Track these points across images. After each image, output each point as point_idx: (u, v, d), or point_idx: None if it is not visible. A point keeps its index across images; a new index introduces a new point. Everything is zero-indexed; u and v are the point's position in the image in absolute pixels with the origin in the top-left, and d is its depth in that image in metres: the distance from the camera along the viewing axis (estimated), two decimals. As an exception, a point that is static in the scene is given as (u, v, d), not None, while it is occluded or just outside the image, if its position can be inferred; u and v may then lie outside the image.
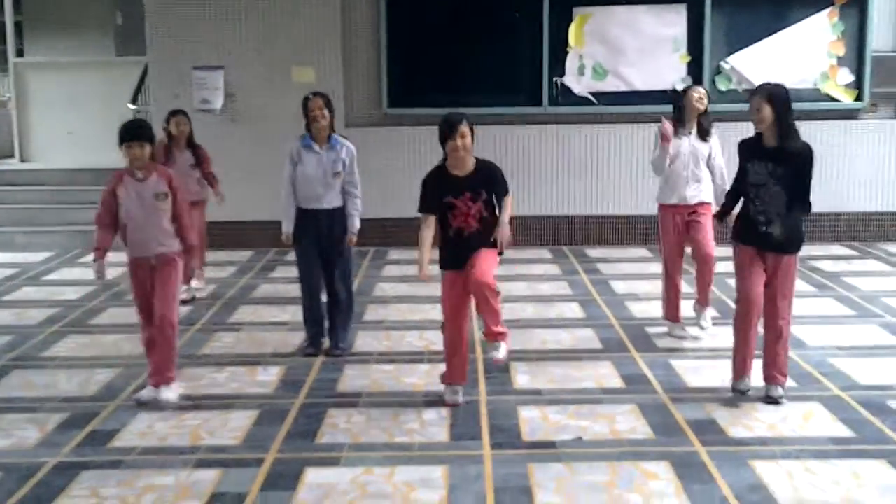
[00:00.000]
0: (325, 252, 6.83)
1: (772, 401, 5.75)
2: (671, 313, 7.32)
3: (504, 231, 5.65)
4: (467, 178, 5.64)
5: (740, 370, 5.87)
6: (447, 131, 5.55)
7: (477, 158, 5.72)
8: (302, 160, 6.72)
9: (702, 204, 7.11)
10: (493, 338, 5.71)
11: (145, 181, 5.82)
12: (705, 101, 7.05)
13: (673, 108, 7.19)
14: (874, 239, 11.39)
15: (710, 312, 7.33)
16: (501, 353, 5.67)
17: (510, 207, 5.77)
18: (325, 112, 6.70)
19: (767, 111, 5.59)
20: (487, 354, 5.81)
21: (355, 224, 6.84)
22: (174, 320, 5.87)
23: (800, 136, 5.71)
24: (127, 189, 5.81)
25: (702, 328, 7.24)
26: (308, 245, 6.81)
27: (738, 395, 5.84)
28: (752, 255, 5.76)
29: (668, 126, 7.01)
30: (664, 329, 7.39)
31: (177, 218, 5.92)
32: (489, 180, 5.69)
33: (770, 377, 5.83)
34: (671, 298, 7.29)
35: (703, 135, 7.08)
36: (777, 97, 5.62)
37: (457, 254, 5.66)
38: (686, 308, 7.38)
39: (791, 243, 5.74)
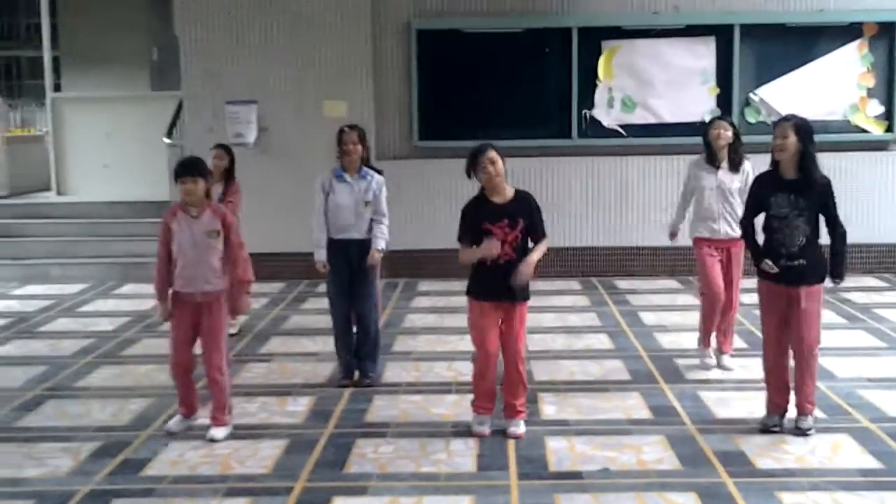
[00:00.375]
0: (354, 283, 6.90)
1: (800, 432, 5.74)
2: (707, 340, 7.34)
3: (527, 269, 5.66)
4: (506, 205, 5.71)
5: (772, 406, 5.88)
6: (474, 163, 5.65)
7: (516, 189, 5.79)
8: (334, 190, 6.83)
9: (733, 241, 7.07)
10: (513, 415, 5.85)
11: (199, 218, 5.87)
12: (726, 134, 7.04)
13: (703, 141, 7.21)
14: (906, 271, 11.32)
15: (732, 360, 7.34)
16: (522, 429, 5.83)
17: (543, 249, 5.80)
18: (359, 147, 6.81)
19: (793, 140, 5.61)
20: (508, 429, 5.84)
21: (380, 243, 6.90)
22: (222, 365, 5.93)
23: (820, 170, 5.71)
24: (180, 224, 5.88)
25: (728, 369, 7.23)
26: (338, 275, 6.89)
27: (765, 429, 5.83)
28: (774, 290, 5.77)
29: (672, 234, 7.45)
30: (693, 361, 7.38)
31: (230, 252, 5.95)
32: (527, 209, 5.75)
33: (799, 406, 5.83)
34: (707, 325, 7.29)
35: (734, 167, 7.09)
36: (803, 128, 5.65)
37: (490, 282, 5.71)
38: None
39: (815, 274, 5.73)
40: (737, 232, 6.97)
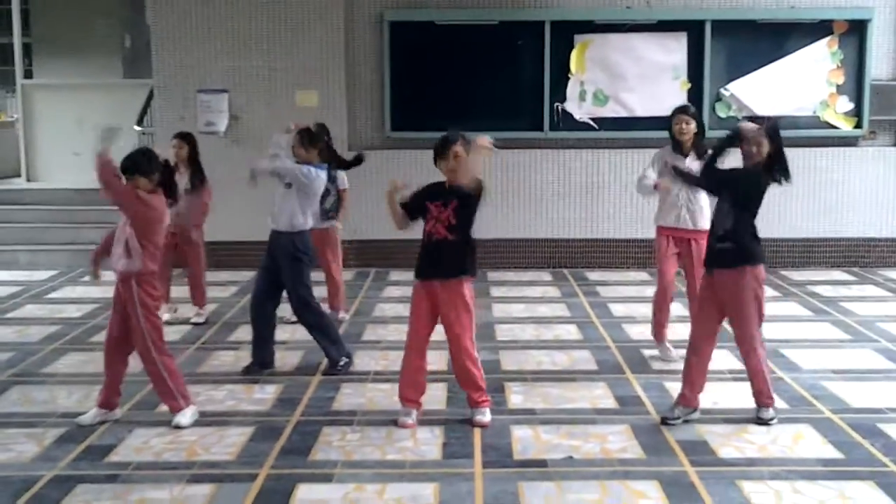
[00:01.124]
0: (283, 275, 7.00)
1: (762, 422, 5.82)
2: (660, 332, 7.38)
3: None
4: (449, 188, 5.78)
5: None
6: (439, 150, 5.74)
7: (473, 180, 5.78)
8: None
9: (698, 232, 7.08)
10: (476, 405, 5.89)
11: None
12: (689, 128, 7.04)
13: (668, 132, 7.23)
14: (873, 264, 11.44)
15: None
16: (487, 416, 5.87)
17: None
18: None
19: (766, 148, 5.70)
20: (473, 418, 5.87)
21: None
22: (146, 353, 5.85)
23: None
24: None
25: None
26: (265, 269, 7.11)
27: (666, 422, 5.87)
28: (707, 280, 5.89)
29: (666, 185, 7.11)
30: (653, 352, 7.43)
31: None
32: (462, 192, 5.73)
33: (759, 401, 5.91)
34: (660, 316, 7.34)
35: (699, 156, 7.11)
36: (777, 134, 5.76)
37: (429, 260, 5.81)
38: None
39: (740, 257, 5.80)
40: (699, 223, 7.04)
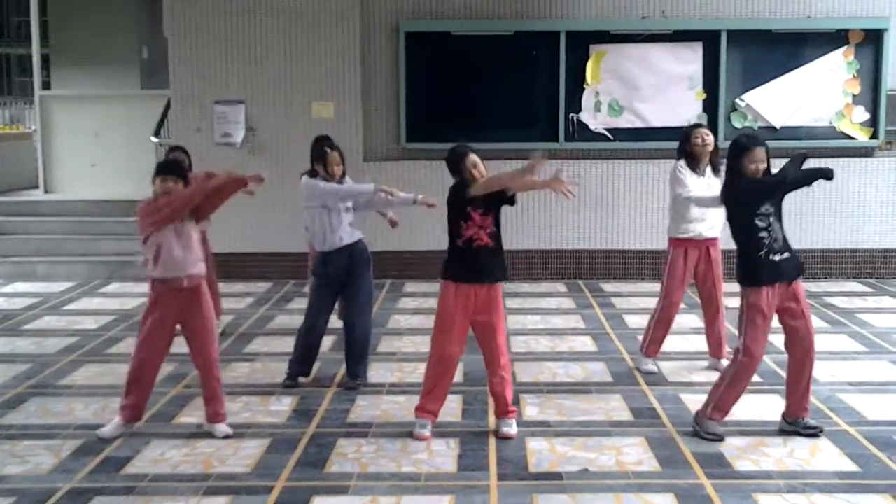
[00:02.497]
0: (348, 287, 6.99)
1: (812, 430, 5.82)
2: (653, 348, 7.35)
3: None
4: (486, 195, 5.79)
5: (725, 414, 5.90)
6: (458, 162, 5.83)
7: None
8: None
9: (712, 240, 7.17)
10: (505, 416, 5.91)
11: None
12: (709, 139, 7.08)
13: (678, 147, 7.23)
14: (889, 276, 11.38)
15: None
16: (514, 428, 5.88)
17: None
18: (342, 167, 7.04)
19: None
20: (499, 430, 5.87)
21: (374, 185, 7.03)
22: (216, 357, 5.98)
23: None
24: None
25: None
26: (327, 286, 6.99)
27: (715, 438, 5.79)
28: (770, 297, 5.72)
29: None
30: (676, 363, 7.42)
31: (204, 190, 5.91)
32: (495, 201, 5.84)
33: (805, 411, 5.89)
34: (659, 334, 7.32)
35: (716, 171, 7.13)
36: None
37: (466, 264, 5.83)
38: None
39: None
40: (714, 233, 7.10)
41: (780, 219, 5.75)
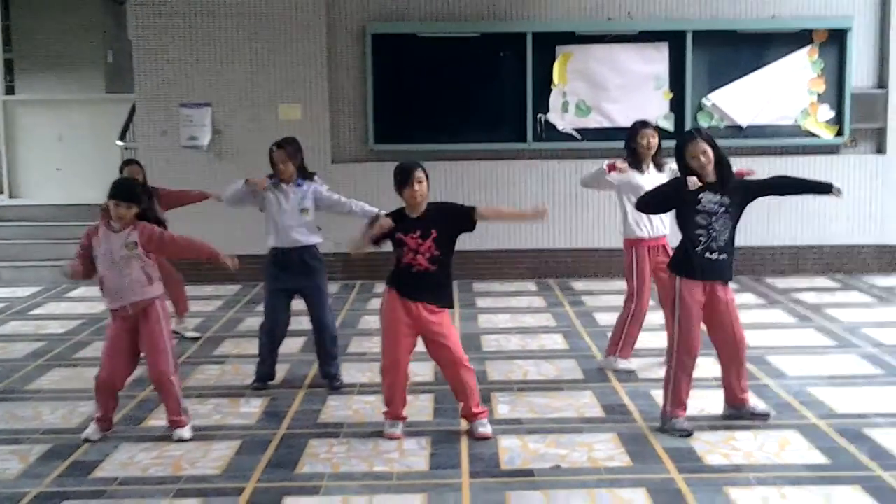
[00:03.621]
0: (304, 288, 6.91)
1: (763, 415, 5.93)
2: (627, 350, 7.36)
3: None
4: (419, 218, 5.72)
5: (683, 407, 5.92)
6: (403, 178, 5.68)
7: (429, 202, 5.78)
8: (271, 201, 6.86)
9: (664, 237, 7.24)
10: (473, 418, 5.86)
11: (119, 233, 5.77)
12: (654, 141, 7.11)
13: (626, 144, 7.25)
14: (856, 271, 11.50)
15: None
16: (489, 427, 5.83)
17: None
18: (289, 165, 6.85)
19: (711, 153, 5.74)
20: (474, 430, 5.82)
21: (365, 207, 6.87)
22: (168, 373, 5.84)
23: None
24: (100, 239, 5.79)
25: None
26: (281, 283, 6.90)
27: (684, 433, 5.79)
28: (699, 291, 5.80)
29: (622, 166, 7.13)
30: (647, 360, 7.43)
31: (178, 250, 6.08)
32: (440, 218, 5.74)
33: (743, 400, 5.98)
34: (633, 335, 7.35)
35: (659, 168, 7.18)
36: (709, 136, 5.83)
37: (408, 285, 5.74)
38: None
39: (732, 269, 5.94)
40: (663, 230, 7.17)
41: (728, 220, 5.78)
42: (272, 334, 6.96)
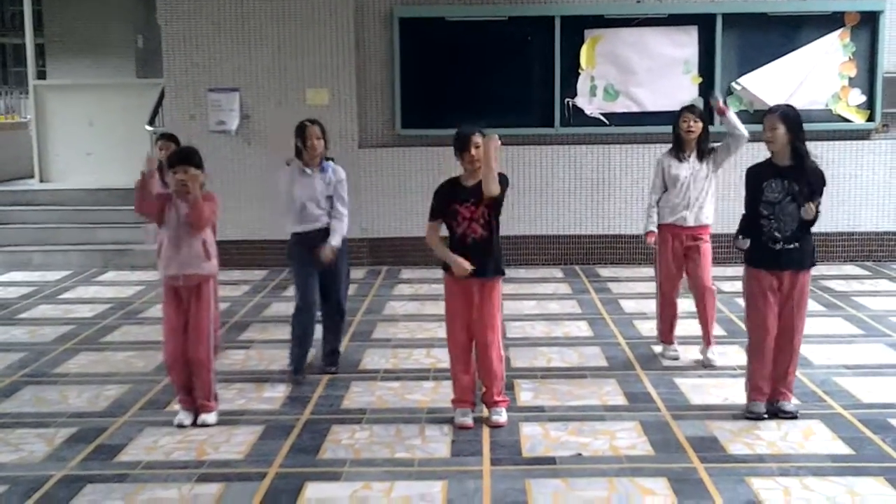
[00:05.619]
0: (324, 270, 6.91)
1: (789, 415, 5.81)
2: (666, 335, 7.35)
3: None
4: (474, 186, 5.71)
5: (758, 392, 5.89)
6: (461, 143, 5.66)
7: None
8: (296, 184, 6.82)
9: (702, 227, 7.11)
10: (493, 405, 5.86)
11: (185, 201, 5.82)
12: (696, 125, 7.00)
13: (673, 131, 7.19)
14: (886, 258, 11.37)
15: (717, 349, 7.20)
16: (504, 417, 5.83)
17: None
18: (321, 141, 6.83)
19: (782, 131, 5.65)
20: (490, 417, 5.83)
21: (336, 239, 6.79)
22: (206, 359, 5.89)
23: (810, 156, 5.75)
24: (169, 207, 5.86)
25: (713, 365, 7.11)
26: (304, 267, 6.87)
27: (752, 416, 5.82)
28: (767, 280, 5.77)
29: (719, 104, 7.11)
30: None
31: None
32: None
33: (782, 395, 5.90)
34: (667, 319, 7.32)
35: (701, 156, 7.08)
36: (791, 118, 5.69)
37: (471, 261, 5.70)
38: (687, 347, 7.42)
39: (808, 258, 5.84)
40: (703, 220, 7.06)
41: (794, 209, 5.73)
42: (309, 313, 6.91)
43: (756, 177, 5.84)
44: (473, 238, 5.71)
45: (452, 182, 5.83)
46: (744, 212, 5.92)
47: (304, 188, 6.79)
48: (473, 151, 5.64)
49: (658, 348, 7.43)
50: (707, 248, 7.10)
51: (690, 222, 7.06)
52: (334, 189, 6.85)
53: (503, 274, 5.86)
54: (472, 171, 5.72)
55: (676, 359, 7.21)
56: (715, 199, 7.17)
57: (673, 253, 7.13)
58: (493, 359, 5.79)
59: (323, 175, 6.84)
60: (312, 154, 6.80)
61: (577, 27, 11.29)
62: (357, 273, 10.41)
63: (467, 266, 5.65)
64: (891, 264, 11.19)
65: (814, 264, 5.92)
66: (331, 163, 6.93)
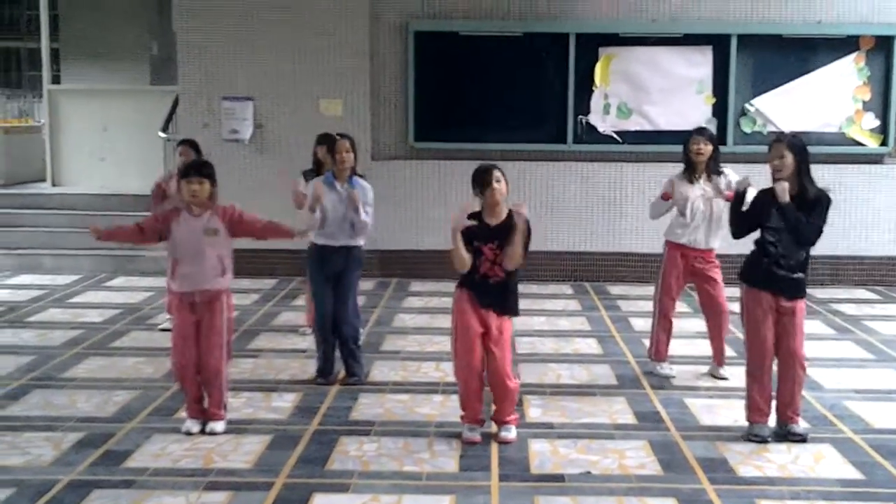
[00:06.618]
0: (337, 287, 6.92)
1: (799, 437, 5.78)
2: (660, 352, 7.32)
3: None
4: (498, 227, 5.66)
5: (759, 415, 5.87)
6: (482, 179, 5.61)
7: (509, 209, 5.71)
8: (323, 196, 6.82)
9: (711, 250, 7.15)
10: (503, 423, 5.85)
11: (200, 217, 5.87)
12: (706, 149, 7.01)
13: (683, 152, 7.18)
14: (897, 284, 11.34)
15: (728, 370, 7.24)
16: (513, 433, 5.81)
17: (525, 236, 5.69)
18: (351, 155, 6.84)
19: (790, 160, 5.67)
20: (499, 434, 5.81)
21: (365, 216, 6.85)
22: (219, 368, 5.89)
23: (815, 184, 5.75)
24: (179, 222, 5.88)
25: (724, 378, 7.18)
26: (322, 281, 6.93)
27: (756, 440, 5.80)
28: (767, 301, 5.78)
29: (672, 187, 7.13)
30: (681, 367, 7.36)
31: (256, 230, 6.06)
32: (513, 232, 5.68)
33: (790, 418, 5.86)
34: (662, 336, 7.30)
35: (710, 177, 7.09)
36: (798, 147, 5.71)
37: (486, 296, 5.69)
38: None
39: (805, 287, 5.86)
40: (713, 244, 7.11)
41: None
42: (326, 321, 6.94)
43: (767, 199, 5.82)
44: (496, 280, 5.68)
45: (476, 217, 5.73)
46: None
47: (332, 204, 6.81)
48: (496, 186, 5.60)
49: (651, 367, 7.38)
50: (718, 270, 7.13)
51: (702, 245, 7.07)
52: (365, 201, 6.87)
53: (517, 314, 5.87)
54: (493, 206, 5.67)
55: (672, 376, 7.20)
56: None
57: (679, 271, 7.15)
58: (506, 386, 5.75)
59: (351, 192, 6.83)
60: (341, 168, 6.81)
61: (591, 44, 11.30)
62: (366, 285, 10.39)
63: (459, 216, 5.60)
64: (902, 289, 11.16)
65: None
66: (359, 179, 6.93)
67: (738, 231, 6.01)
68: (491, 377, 5.77)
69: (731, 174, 7.08)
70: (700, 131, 7.17)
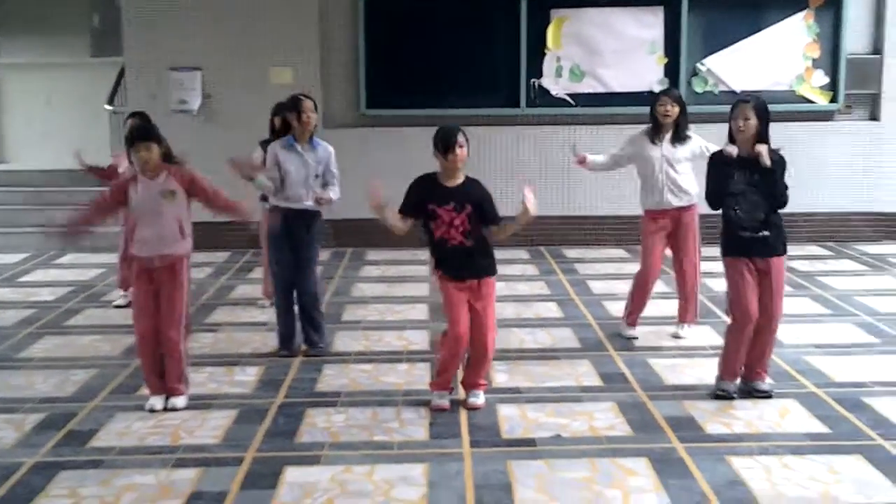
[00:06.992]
0: (298, 252, 6.81)
1: (764, 394, 5.83)
2: (633, 320, 7.34)
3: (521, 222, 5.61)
4: (455, 188, 5.59)
5: (731, 374, 5.91)
6: (446, 142, 5.50)
7: (467, 175, 5.65)
8: (283, 160, 6.72)
9: (682, 209, 7.12)
10: (475, 387, 5.81)
11: (155, 178, 5.74)
12: (673, 110, 6.98)
13: (650, 113, 7.16)
14: (848, 239, 11.49)
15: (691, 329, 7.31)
16: (481, 399, 5.78)
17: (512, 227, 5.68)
18: (314, 115, 6.74)
19: (753, 121, 5.67)
20: (467, 399, 5.78)
21: (333, 191, 6.83)
22: (178, 338, 5.79)
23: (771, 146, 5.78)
24: (136, 186, 5.74)
25: (680, 337, 7.24)
26: (282, 245, 6.81)
27: (723, 395, 5.84)
28: (743, 264, 5.80)
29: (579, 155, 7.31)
30: (643, 328, 7.36)
31: (209, 200, 5.91)
32: (476, 195, 5.62)
33: (757, 375, 5.91)
34: (639, 306, 7.31)
35: (677, 140, 7.07)
36: (762, 109, 5.73)
37: (451, 266, 5.63)
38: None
39: (780, 245, 5.83)
40: (683, 201, 7.05)
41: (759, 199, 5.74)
42: (288, 291, 6.86)
43: (724, 165, 5.82)
44: (452, 244, 5.60)
45: (430, 179, 5.64)
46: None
47: (295, 166, 6.71)
48: (458, 151, 5.51)
49: (640, 327, 7.39)
50: (693, 226, 7.14)
51: (670, 205, 7.06)
52: (326, 166, 6.78)
53: (495, 273, 5.77)
54: (452, 170, 5.60)
55: (635, 338, 7.22)
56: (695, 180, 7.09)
57: (655, 238, 7.13)
58: (487, 346, 5.70)
59: (314, 153, 6.74)
60: (306, 128, 6.70)
61: (543, 7, 11.26)
62: (322, 255, 10.27)
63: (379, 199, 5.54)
64: (853, 245, 11.31)
65: (786, 251, 5.91)
66: (320, 141, 6.85)
67: (716, 202, 5.97)
68: (474, 333, 5.67)
69: (698, 139, 7.07)
70: (667, 92, 7.17)
